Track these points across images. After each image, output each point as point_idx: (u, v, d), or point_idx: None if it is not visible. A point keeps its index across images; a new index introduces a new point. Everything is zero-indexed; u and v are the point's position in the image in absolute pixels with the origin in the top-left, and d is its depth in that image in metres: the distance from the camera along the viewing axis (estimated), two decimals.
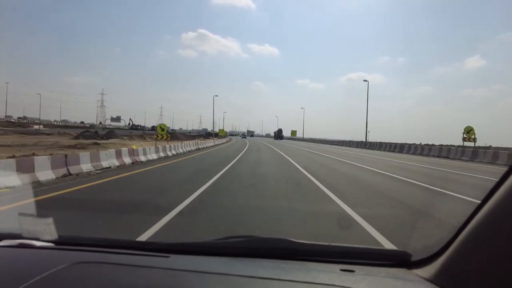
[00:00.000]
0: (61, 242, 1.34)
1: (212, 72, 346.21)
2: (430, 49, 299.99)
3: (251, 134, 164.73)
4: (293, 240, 1.30)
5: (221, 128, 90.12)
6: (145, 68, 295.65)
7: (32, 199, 6.55)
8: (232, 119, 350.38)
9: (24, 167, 8.43)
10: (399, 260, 1.22)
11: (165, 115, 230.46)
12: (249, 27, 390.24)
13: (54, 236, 1.35)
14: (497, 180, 0.92)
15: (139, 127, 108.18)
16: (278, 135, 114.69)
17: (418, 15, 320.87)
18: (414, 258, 1.20)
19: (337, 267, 1.17)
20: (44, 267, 1.08)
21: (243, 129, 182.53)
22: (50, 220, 1.36)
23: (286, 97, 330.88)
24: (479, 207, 0.96)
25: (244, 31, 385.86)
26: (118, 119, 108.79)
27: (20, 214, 1.39)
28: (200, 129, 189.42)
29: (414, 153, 31.47)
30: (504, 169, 0.93)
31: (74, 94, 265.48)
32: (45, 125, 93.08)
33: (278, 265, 1.20)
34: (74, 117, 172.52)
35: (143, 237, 4.06)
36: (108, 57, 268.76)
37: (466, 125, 29.01)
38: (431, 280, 1.05)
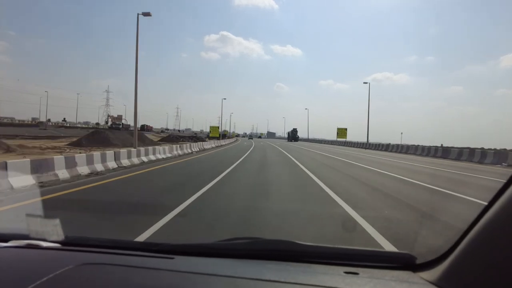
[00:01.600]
0: (68, 243, 1.37)
1: (234, 74, 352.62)
2: (462, 47, 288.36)
3: (258, 135, 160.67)
4: (297, 242, 1.30)
5: (216, 127, 75.28)
6: (169, 70, 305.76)
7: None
8: (254, 120, 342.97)
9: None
10: (403, 262, 1.22)
11: (184, 116, 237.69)
12: (272, 28, 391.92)
13: (61, 236, 1.39)
14: (506, 180, 0.92)
15: (121, 126, 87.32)
16: (293, 136, 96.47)
17: (448, 11, 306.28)
18: (420, 260, 1.20)
19: (341, 269, 1.18)
20: (51, 267, 1.10)
21: (263, 130, 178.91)
22: (57, 221, 1.42)
23: (309, 98, 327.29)
24: (486, 209, 0.95)
25: (267, 32, 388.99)
26: (119, 118, 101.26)
27: (28, 214, 1.46)
28: (222, 131, 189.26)
29: (459, 159, 25.22)
30: None
31: (102, 96, 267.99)
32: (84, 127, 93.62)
33: (283, 267, 1.21)
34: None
35: None
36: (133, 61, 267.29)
37: (502, 127, 23.97)
38: (436, 284, 1.04)
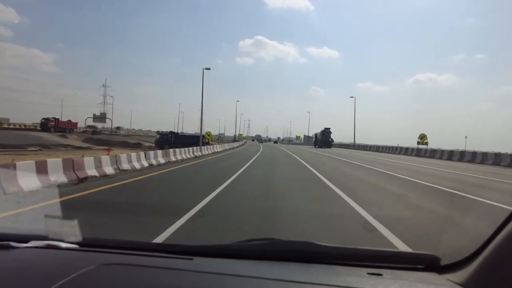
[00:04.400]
0: (86, 244, 1.41)
1: (268, 79, 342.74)
2: None
3: (275, 141, 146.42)
4: (317, 243, 1.30)
5: (208, 132, 76.78)
6: (205, 76, 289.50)
7: None
8: (287, 124, 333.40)
9: None
10: (427, 263, 1.21)
11: (213, 121, 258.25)
12: (307, 30, 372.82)
13: (78, 237, 1.42)
14: None
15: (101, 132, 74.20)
16: (322, 140, 66.10)
17: (501, 4, 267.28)
18: (444, 262, 1.18)
19: (364, 270, 1.17)
20: (71, 268, 1.13)
21: (299, 133, 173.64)
22: (75, 222, 1.47)
23: (345, 102, 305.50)
24: None
25: (302, 34, 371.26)
26: (103, 117, 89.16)
27: (46, 215, 1.52)
28: (254, 135, 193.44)
29: None
30: None
31: (139, 104, 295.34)
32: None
33: (305, 269, 1.21)
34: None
35: None
36: (169, 68, 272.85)
37: None
38: (464, 285, 1.02)
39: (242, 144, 61.40)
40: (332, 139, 67.63)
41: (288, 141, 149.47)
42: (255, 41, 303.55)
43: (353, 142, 64.39)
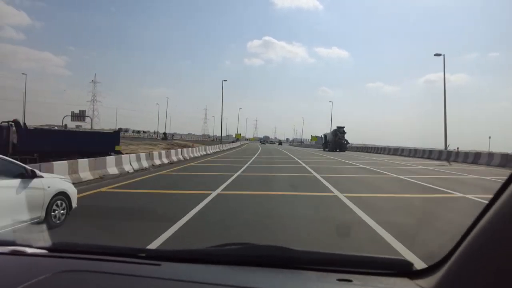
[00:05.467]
0: (55, 249, 1.38)
1: (276, 79, 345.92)
2: None
3: (279, 141, 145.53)
4: (290, 247, 1.28)
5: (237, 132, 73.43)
6: (213, 77, 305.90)
7: None
8: (296, 125, 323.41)
9: None
10: (399, 269, 1.19)
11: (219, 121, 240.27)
12: (316, 30, 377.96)
13: (47, 242, 1.40)
14: (503, 181, 0.87)
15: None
16: (335, 141, 52.20)
17: None
18: (416, 267, 1.17)
19: (334, 276, 1.16)
20: (31, 275, 1.10)
21: (305, 135, 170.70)
22: (43, 227, 1.56)
23: (355, 102, 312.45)
24: (484, 212, 0.90)
25: (311, 34, 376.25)
26: (82, 115, 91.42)
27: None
28: (262, 136, 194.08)
29: None
30: None
31: (152, 106, 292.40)
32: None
33: (275, 275, 1.20)
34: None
35: None
36: (179, 69, 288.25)
37: None
38: None
39: (226, 150, 43.34)
40: (346, 141, 53.26)
41: (300, 142, 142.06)
42: (263, 42, 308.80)
43: (367, 144, 53.68)
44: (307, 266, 1.23)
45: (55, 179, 5.84)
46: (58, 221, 5.22)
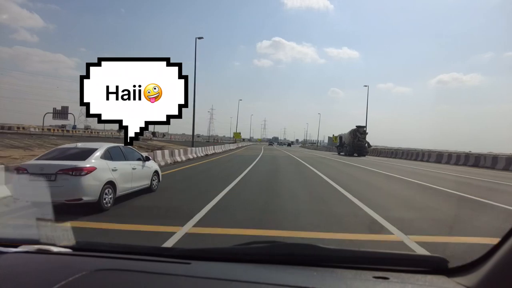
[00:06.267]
0: (79, 248, 1.40)
1: (286, 80, 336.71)
2: None
3: (288, 143, 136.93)
4: (320, 245, 1.25)
5: (237, 132, 68.44)
6: (223, 79, 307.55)
7: None
8: (307, 125, 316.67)
9: None
10: (435, 266, 1.13)
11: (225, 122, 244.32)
12: (326, 30, 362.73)
13: (71, 242, 1.42)
14: None
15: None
16: (354, 144, 42.14)
17: None
18: (452, 264, 1.16)
19: (369, 274, 1.11)
20: (63, 274, 1.11)
21: (315, 136, 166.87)
22: (68, 225, 1.51)
23: (365, 103, 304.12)
24: None
25: (321, 34, 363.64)
26: (64, 113, 69.35)
27: (38, 219, 1.54)
28: (271, 137, 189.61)
29: None
30: None
31: None
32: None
33: (308, 273, 1.16)
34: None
35: None
36: (187, 71, 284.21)
37: None
38: None
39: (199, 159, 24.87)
40: (368, 143, 42.63)
41: (311, 143, 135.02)
42: (273, 43, 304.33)
43: (389, 146, 40.77)
44: (338, 264, 1.19)
45: (153, 162, 9.59)
46: (154, 187, 9.12)
